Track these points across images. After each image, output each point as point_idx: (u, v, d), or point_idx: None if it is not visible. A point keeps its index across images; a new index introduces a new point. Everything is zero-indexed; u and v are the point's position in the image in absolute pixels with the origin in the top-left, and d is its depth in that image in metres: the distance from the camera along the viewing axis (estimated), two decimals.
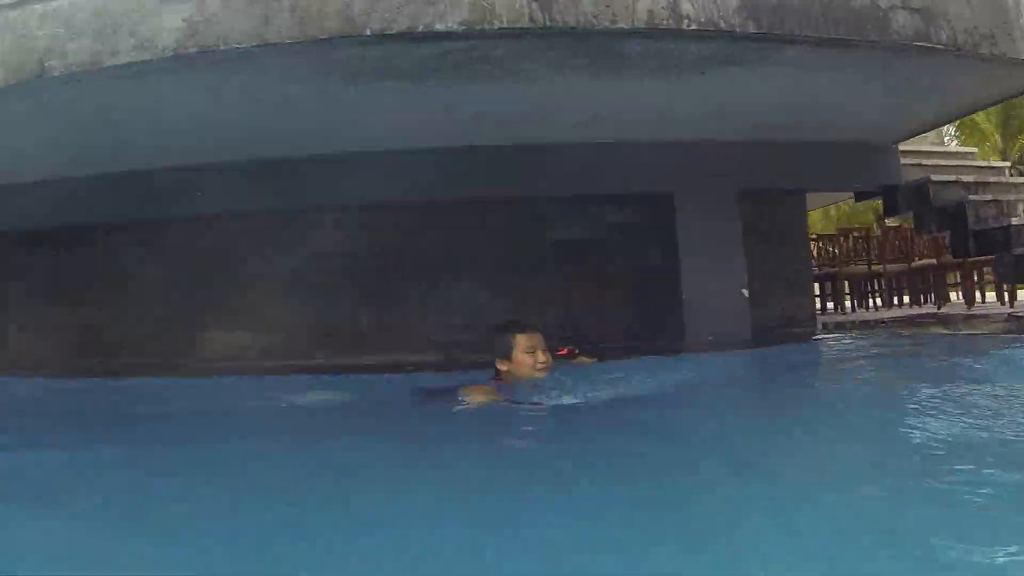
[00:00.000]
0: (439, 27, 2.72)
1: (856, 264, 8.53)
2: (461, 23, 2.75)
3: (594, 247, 4.79)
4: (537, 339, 2.70)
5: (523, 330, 2.72)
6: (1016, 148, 15.74)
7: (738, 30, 3.00)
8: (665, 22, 2.94)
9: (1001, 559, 1.03)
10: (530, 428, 2.56)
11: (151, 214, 4.41)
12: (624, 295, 4.77)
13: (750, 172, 4.54)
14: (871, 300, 8.80)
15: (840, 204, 12.58)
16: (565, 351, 3.18)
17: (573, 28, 2.87)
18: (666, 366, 3.33)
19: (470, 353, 3.45)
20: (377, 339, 4.63)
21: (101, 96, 3.12)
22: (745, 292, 4.46)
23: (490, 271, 4.65)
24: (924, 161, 5.53)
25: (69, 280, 4.88)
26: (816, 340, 4.78)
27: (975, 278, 7.54)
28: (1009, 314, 6.14)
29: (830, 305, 8.74)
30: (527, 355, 2.66)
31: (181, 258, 4.74)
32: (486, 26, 2.79)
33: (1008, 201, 4.98)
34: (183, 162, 4.07)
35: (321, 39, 2.61)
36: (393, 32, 2.65)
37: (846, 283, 8.70)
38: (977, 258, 5.94)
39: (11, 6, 3.04)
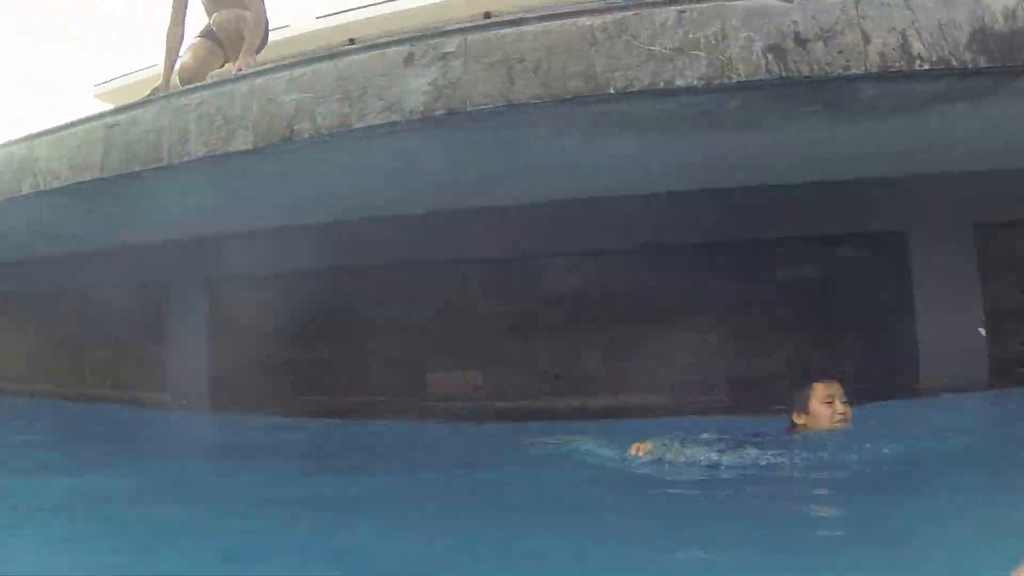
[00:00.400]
0: (679, 83, 2.89)
1: None
2: (700, 78, 2.93)
3: (825, 286, 4.79)
4: (836, 389, 2.77)
5: (820, 379, 2.80)
6: None
7: (970, 66, 3.03)
8: (896, 63, 2.99)
9: None
10: None
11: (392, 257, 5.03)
12: (856, 335, 4.73)
13: (986, 203, 4.46)
14: None
15: None
16: None
17: (808, 77, 2.99)
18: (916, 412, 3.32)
19: (698, 395, 3.62)
20: (606, 382, 4.85)
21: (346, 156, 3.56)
22: (983, 331, 4.36)
23: (720, 312, 4.76)
24: None
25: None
26: None
27: None
28: None
29: None
30: (825, 406, 2.73)
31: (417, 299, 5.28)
32: (724, 80, 2.96)
33: None
34: (408, 211, 4.66)
35: (565, 99, 2.84)
36: (635, 90, 2.84)
37: None
38: None
39: (256, 74, 3.51)
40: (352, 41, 9.29)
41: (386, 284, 5.37)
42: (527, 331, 4.98)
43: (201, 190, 4.36)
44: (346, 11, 10.44)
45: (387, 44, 3.17)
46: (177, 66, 4.58)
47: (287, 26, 10.41)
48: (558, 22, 2.94)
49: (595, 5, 3.01)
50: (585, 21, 2.90)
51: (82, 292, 7.05)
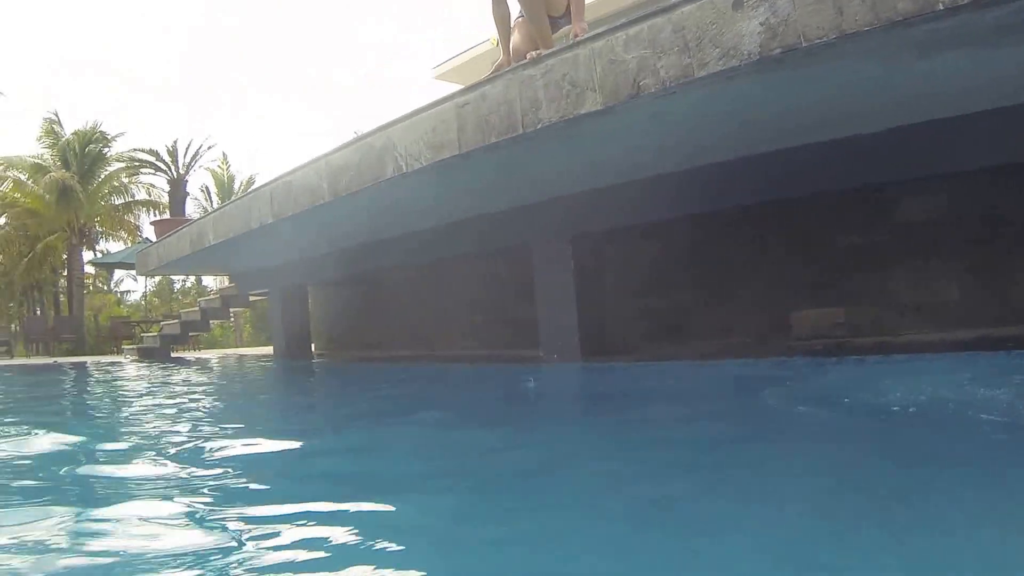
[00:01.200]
0: None
1: None
2: None
3: None
4: None
5: None
6: None
7: None
8: None
9: None
10: None
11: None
12: None
13: None
14: None
15: None
16: None
17: None
18: None
19: None
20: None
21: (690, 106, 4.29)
22: None
23: None
24: None
25: None
26: None
27: None
28: None
29: None
30: None
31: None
32: None
33: None
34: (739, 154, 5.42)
35: (895, 21, 3.16)
36: (964, 3, 3.08)
37: None
38: None
39: (594, 37, 4.43)
40: None
41: (741, 227, 6.22)
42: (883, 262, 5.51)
43: (554, 152, 5.34)
44: None
45: None
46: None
47: None
48: None
49: None
50: None
51: (447, 262, 8.91)
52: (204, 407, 5.61)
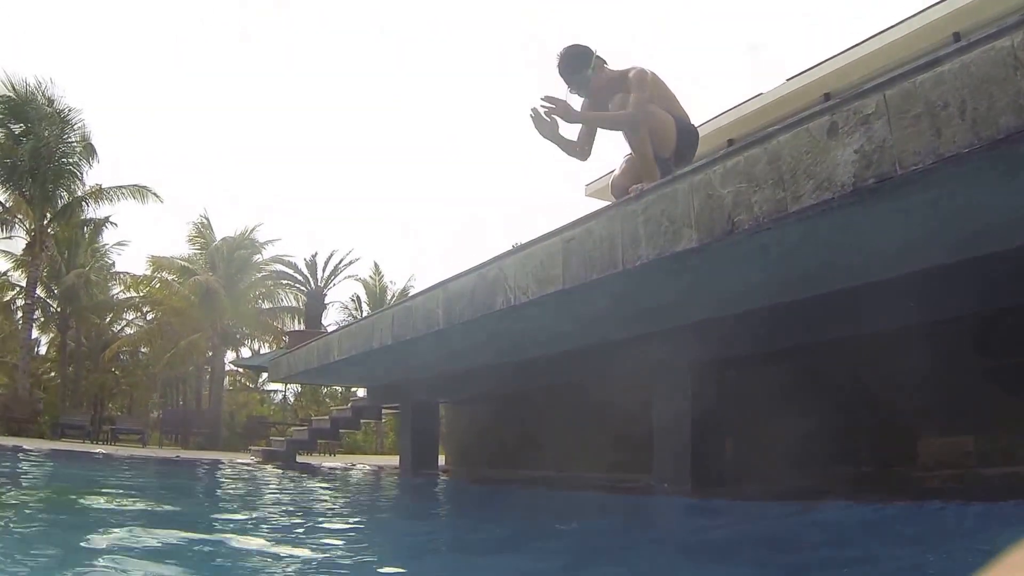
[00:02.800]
0: None
1: None
2: None
3: None
4: None
5: None
6: None
7: None
8: None
9: None
10: None
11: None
12: None
13: None
14: None
15: None
16: None
17: None
18: None
19: None
20: None
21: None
22: None
23: None
24: None
25: None
26: None
27: None
28: None
29: None
30: None
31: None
32: None
33: None
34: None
35: (997, 139, 3.04)
36: None
37: None
38: None
39: (694, 171, 4.52)
40: (826, 96, 10.33)
41: (867, 353, 6.10)
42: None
43: (661, 285, 5.50)
44: (812, 68, 11.50)
45: (810, 118, 3.77)
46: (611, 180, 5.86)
47: (759, 95, 11.94)
48: (974, 52, 3.16)
49: (1011, 20, 3.12)
50: (1004, 43, 3.08)
51: (568, 387, 9.16)
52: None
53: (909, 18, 10.32)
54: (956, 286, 5.09)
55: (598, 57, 5.40)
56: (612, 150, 5.76)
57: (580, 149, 5.59)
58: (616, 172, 5.72)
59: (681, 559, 4.29)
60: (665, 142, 5.26)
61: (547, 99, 5.22)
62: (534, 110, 5.28)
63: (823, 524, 4.97)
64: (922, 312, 5.33)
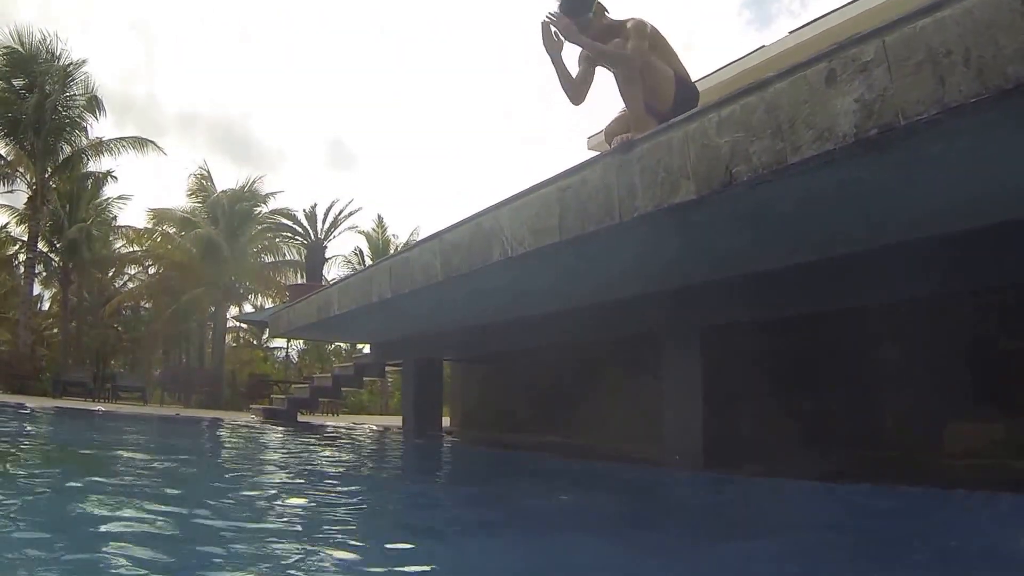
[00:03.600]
0: None
1: None
2: None
3: None
4: None
5: None
6: None
7: None
8: None
9: None
10: None
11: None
12: None
13: None
14: None
15: None
16: None
17: None
18: None
19: None
20: None
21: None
22: None
23: None
24: None
25: None
26: None
27: None
28: None
29: None
30: None
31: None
32: None
33: None
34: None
35: (1007, 88, 2.95)
36: None
37: None
38: None
39: (688, 119, 4.48)
40: None
41: (890, 324, 6.06)
42: None
43: (664, 241, 5.44)
44: (819, 18, 11.28)
45: (806, 65, 3.70)
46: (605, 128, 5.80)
47: (761, 47, 11.77)
48: None
49: None
50: None
51: (574, 346, 9.09)
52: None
53: None
54: (991, 253, 5.00)
55: (599, 3, 5.34)
56: (612, 105, 5.67)
57: (576, 88, 5.54)
58: (610, 121, 5.65)
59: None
60: (663, 96, 5.23)
61: (552, 14, 5.20)
62: (545, 21, 5.27)
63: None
64: (953, 280, 5.25)
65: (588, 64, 5.52)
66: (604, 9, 5.40)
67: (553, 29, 5.26)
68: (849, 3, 10.92)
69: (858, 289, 5.76)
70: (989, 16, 3.03)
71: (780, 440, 6.62)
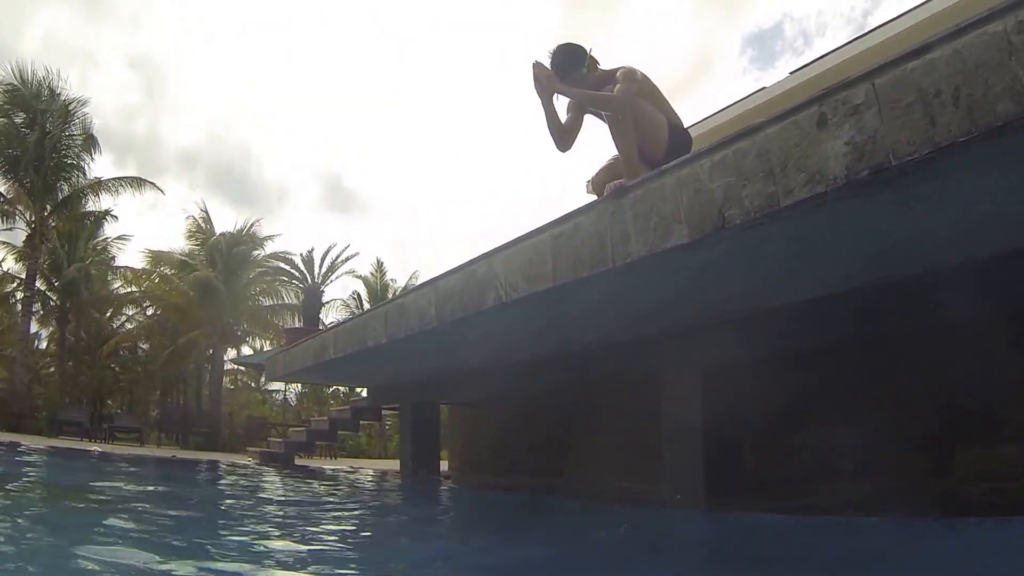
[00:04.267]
0: None
1: None
2: None
3: None
4: None
5: None
6: None
7: None
8: None
9: None
10: None
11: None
12: None
13: None
14: None
15: None
16: None
17: None
18: None
19: None
20: None
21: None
22: None
23: None
24: None
25: None
26: None
27: None
28: None
29: None
30: None
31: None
32: None
33: None
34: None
35: (997, 126, 2.96)
36: None
37: None
38: None
39: (681, 164, 4.49)
40: None
41: (896, 354, 5.98)
42: None
43: (660, 284, 5.43)
44: (814, 61, 11.39)
45: (798, 109, 3.73)
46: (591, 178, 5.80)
47: (762, 89, 11.87)
48: (965, 37, 3.09)
49: (1004, 2, 2.96)
50: (996, 27, 2.96)
51: (573, 389, 9.04)
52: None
53: (921, 5, 10.14)
54: (995, 282, 4.98)
55: (591, 57, 5.38)
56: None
57: (563, 135, 5.52)
58: (598, 170, 5.67)
59: None
60: (655, 142, 5.22)
61: (538, 65, 5.20)
62: (536, 63, 5.28)
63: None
64: (956, 311, 5.20)
65: (577, 111, 5.53)
66: (596, 62, 5.43)
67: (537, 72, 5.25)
68: (849, 43, 10.99)
69: (857, 323, 5.78)
70: (978, 56, 3.05)
71: (781, 476, 6.59)
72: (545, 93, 5.31)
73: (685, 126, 5.58)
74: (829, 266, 5.15)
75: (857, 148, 3.48)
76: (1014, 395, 5.27)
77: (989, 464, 5.40)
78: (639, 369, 7.64)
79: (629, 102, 5.14)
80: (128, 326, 34.09)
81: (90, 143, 27.95)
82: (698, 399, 6.81)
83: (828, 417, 6.21)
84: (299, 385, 34.21)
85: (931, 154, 3.21)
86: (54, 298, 30.89)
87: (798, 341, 6.23)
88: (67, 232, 30.24)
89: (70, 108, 27.18)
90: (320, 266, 32.61)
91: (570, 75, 5.30)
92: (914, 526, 5.03)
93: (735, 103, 12.66)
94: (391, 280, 36.89)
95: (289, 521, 6.71)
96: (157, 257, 31.06)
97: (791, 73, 12.04)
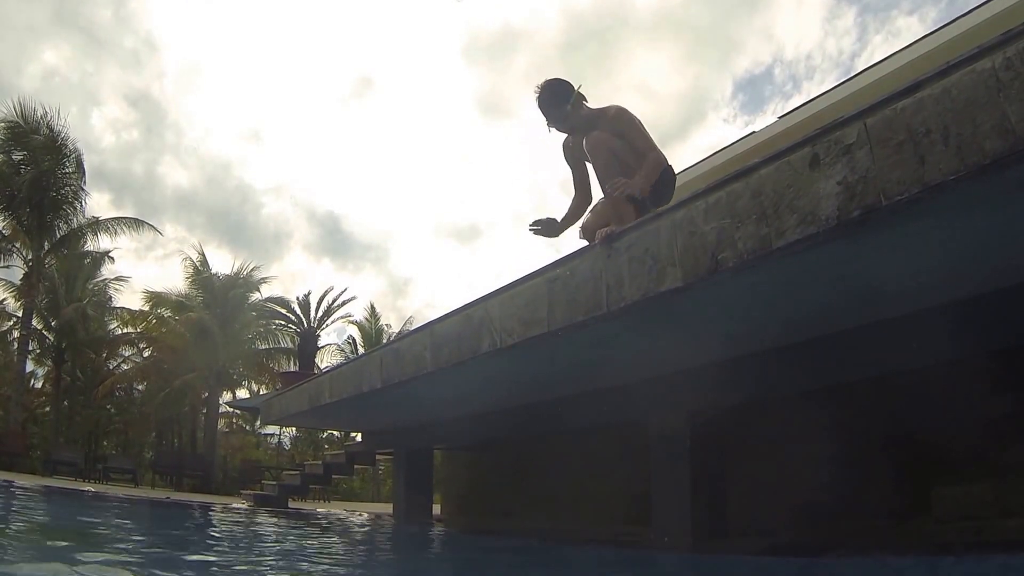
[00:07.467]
0: None
1: None
2: None
3: None
4: None
5: None
6: None
7: None
8: None
9: None
10: None
11: None
12: None
13: None
14: None
15: None
16: None
17: None
18: None
19: None
20: None
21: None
22: None
23: None
24: None
25: None
26: None
27: None
28: None
29: None
30: None
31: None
32: None
33: None
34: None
35: (984, 164, 2.92)
36: None
37: None
38: None
39: (676, 207, 4.46)
40: None
41: (878, 397, 5.94)
42: None
43: (652, 329, 5.38)
44: (802, 105, 11.50)
45: (791, 150, 3.70)
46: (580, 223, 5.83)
47: (751, 134, 11.98)
48: (955, 75, 3.07)
49: (992, 40, 2.95)
50: (984, 64, 2.94)
51: (564, 436, 8.98)
52: None
53: (910, 45, 10.23)
54: (975, 322, 4.92)
55: (579, 93, 5.40)
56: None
57: (587, 194, 5.76)
58: (588, 215, 5.69)
59: None
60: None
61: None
62: (533, 226, 5.69)
63: None
64: (936, 351, 5.15)
65: (576, 163, 5.60)
66: (583, 99, 5.45)
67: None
68: (836, 87, 11.08)
69: (840, 365, 5.67)
70: (966, 94, 3.02)
71: (767, 517, 6.50)
72: (554, 233, 5.75)
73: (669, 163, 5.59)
74: (814, 309, 5.10)
75: (849, 188, 3.44)
76: (991, 433, 5.22)
77: (966, 503, 5.32)
78: (628, 413, 7.55)
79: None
80: (124, 367, 33.96)
81: (79, 174, 27.63)
82: (684, 443, 6.72)
83: (812, 458, 6.15)
84: (294, 429, 34.09)
85: (921, 193, 3.19)
86: (51, 337, 30.80)
87: (783, 384, 6.14)
88: (65, 271, 30.21)
89: (65, 144, 26.97)
90: (316, 310, 32.62)
91: (555, 111, 5.35)
92: (893, 564, 5.04)
93: (722, 149, 12.74)
94: (386, 325, 36.98)
95: (282, 563, 6.60)
96: (154, 299, 31.06)
97: (779, 117, 12.13)
